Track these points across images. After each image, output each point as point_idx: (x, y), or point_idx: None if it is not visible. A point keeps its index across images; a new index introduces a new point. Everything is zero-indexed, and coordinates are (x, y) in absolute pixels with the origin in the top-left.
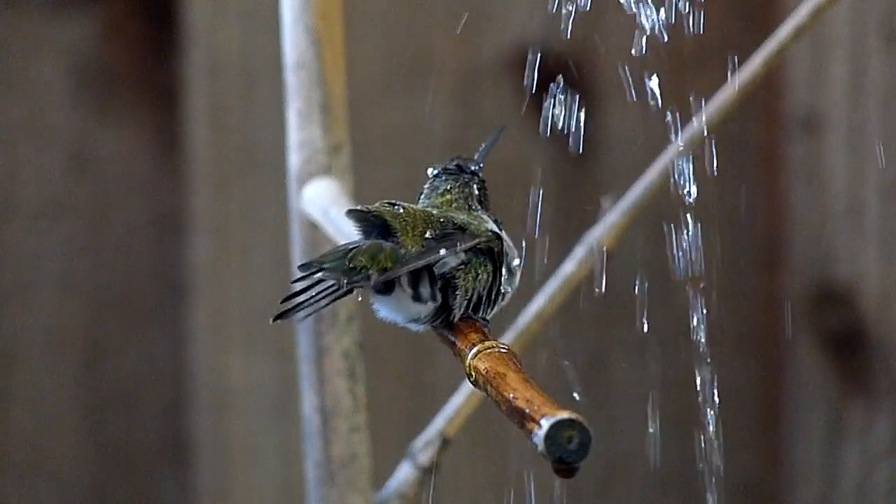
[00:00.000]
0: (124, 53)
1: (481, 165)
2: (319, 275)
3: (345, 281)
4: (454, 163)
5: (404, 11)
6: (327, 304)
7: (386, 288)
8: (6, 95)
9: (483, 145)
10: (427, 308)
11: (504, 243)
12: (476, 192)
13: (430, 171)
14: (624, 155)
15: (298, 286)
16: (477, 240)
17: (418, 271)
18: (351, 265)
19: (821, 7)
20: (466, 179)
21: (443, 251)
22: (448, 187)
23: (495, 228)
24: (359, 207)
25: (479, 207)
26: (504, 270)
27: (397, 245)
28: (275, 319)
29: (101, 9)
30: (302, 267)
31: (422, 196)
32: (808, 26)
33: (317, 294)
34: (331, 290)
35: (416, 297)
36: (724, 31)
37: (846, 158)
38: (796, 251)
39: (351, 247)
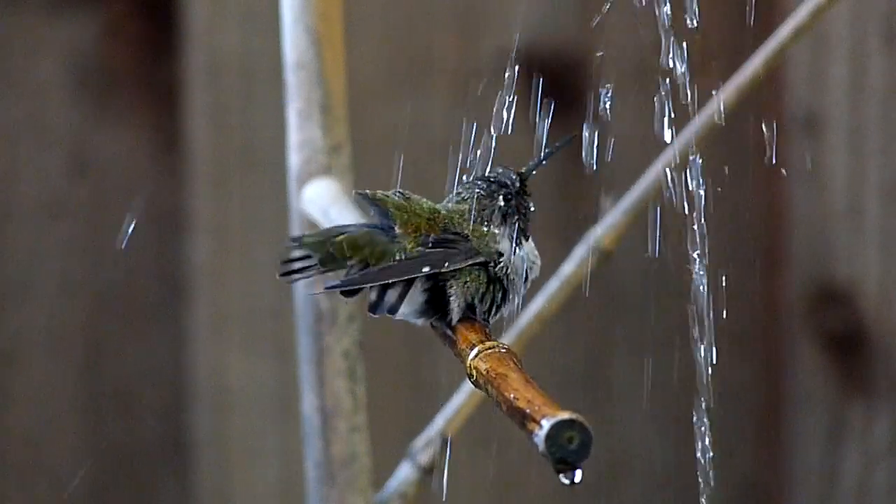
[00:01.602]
0: (124, 53)
1: (519, 174)
2: (303, 256)
3: (319, 266)
4: (492, 173)
5: (404, 11)
6: (315, 275)
7: (351, 292)
8: (6, 95)
9: (541, 154)
10: (416, 306)
11: (506, 263)
12: (501, 203)
13: (465, 178)
14: (624, 155)
15: (293, 255)
16: (473, 259)
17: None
18: (330, 250)
19: (821, 7)
20: (492, 190)
21: (426, 268)
22: (466, 196)
23: (503, 247)
24: (367, 192)
25: (497, 221)
26: (505, 287)
27: (391, 240)
28: (281, 275)
29: (101, 9)
30: (292, 239)
31: (445, 199)
32: (808, 26)
33: (308, 267)
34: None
35: (372, 307)
36: (724, 31)
37: (846, 158)
38: (796, 251)
39: (340, 231)
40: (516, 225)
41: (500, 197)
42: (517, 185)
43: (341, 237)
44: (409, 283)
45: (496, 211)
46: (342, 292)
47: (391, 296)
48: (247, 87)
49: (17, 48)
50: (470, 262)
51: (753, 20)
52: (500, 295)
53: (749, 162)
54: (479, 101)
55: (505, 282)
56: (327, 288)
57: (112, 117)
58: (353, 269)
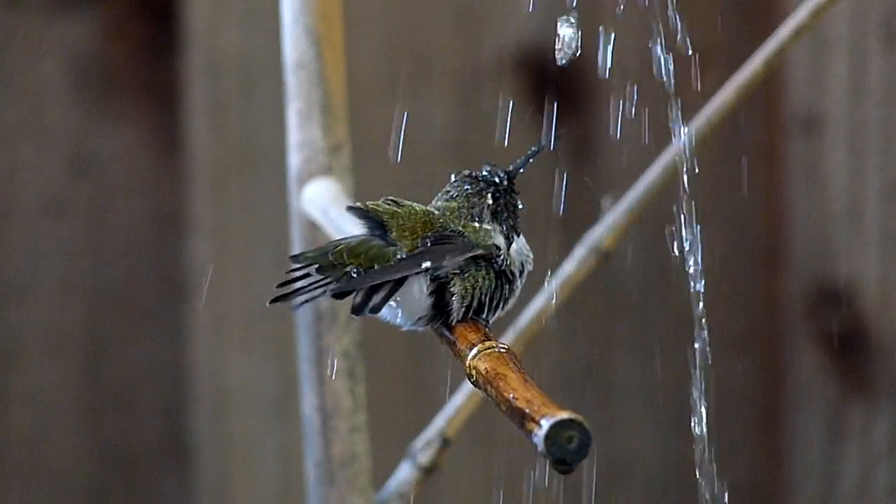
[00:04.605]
0: (124, 53)
1: (507, 172)
2: (307, 269)
3: (318, 273)
4: (481, 170)
5: (404, 11)
6: (320, 296)
7: (342, 294)
8: (6, 95)
9: (528, 153)
10: (421, 310)
11: (505, 255)
12: (490, 202)
13: (452, 176)
14: (624, 155)
15: (293, 276)
16: (469, 253)
17: (383, 279)
18: (331, 258)
19: (821, 7)
20: (480, 188)
21: (426, 263)
22: (455, 194)
23: (498, 242)
24: (358, 204)
25: (487, 218)
26: (505, 282)
27: (388, 244)
28: (272, 302)
29: (101, 9)
30: (293, 258)
31: (434, 200)
32: (808, 26)
33: (310, 285)
34: (315, 284)
35: (356, 309)
36: (724, 31)
37: (846, 158)
38: (796, 251)
39: (339, 242)
40: (507, 222)
41: (489, 195)
42: (505, 182)
43: (340, 247)
44: (396, 286)
45: (485, 209)
46: (333, 294)
47: (376, 298)
48: (247, 87)
49: (17, 48)
50: (469, 255)
51: (753, 20)
52: (507, 288)
53: (749, 162)
54: (479, 100)
55: (509, 275)
56: (334, 293)
57: (112, 117)
58: (351, 275)
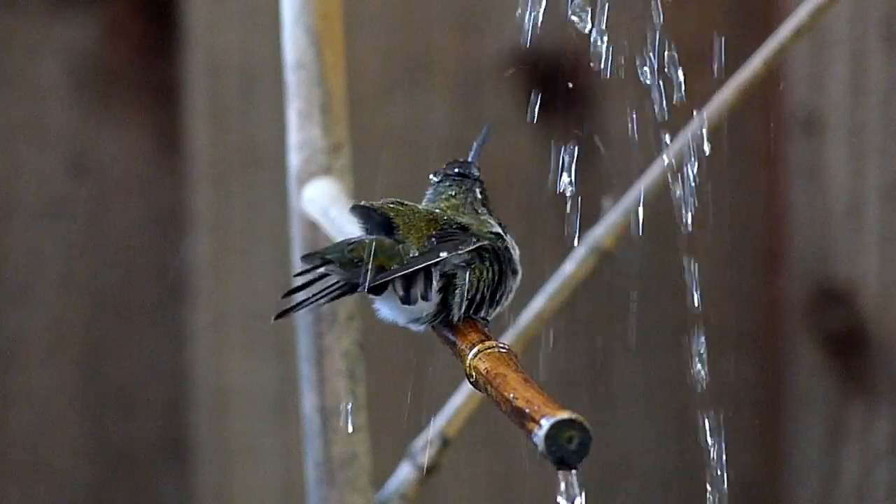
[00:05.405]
0: (124, 53)
1: (475, 164)
2: (322, 269)
3: (345, 275)
4: (454, 167)
5: (404, 11)
6: (328, 302)
7: (378, 289)
8: (6, 95)
9: (474, 145)
10: (426, 307)
11: (507, 245)
12: (479, 195)
13: (432, 176)
14: (624, 155)
15: (300, 281)
16: (479, 242)
17: (412, 272)
18: (351, 257)
19: (821, 7)
20: (469, 185)
21: (443, 253)
22: (453, 192)
23: (499, 230)
24: (363, 203)
25: (484, 211)
26: (508, 272)
27: (398, 242)
28: (276, 318)
29: (101, 9)
30: (305, 258)
31: (425, 200)
32: (808, 26)
33: (318, 292)
34: (331, 288)
35: (405, 299)
36: (725, 31)
37: (846, 158)
38: (796, 251)
39: (353, 241)
40: (494, 213)
41: (478, 190)
42: (480, 176)
43: (355, 245)
44: (428, 278)
45: (477, 203)
46: (370, 290)
47: (415, 290)
48: (247, 87)
49: (17, 48)
50: (478, 245)
51: (753, 20)
52: (510, 280)
53: (749, 162)
54: (479, 100)
55: (514, 266)
56: (370, 286)
57: (112, 117)
58: (369, 274)
